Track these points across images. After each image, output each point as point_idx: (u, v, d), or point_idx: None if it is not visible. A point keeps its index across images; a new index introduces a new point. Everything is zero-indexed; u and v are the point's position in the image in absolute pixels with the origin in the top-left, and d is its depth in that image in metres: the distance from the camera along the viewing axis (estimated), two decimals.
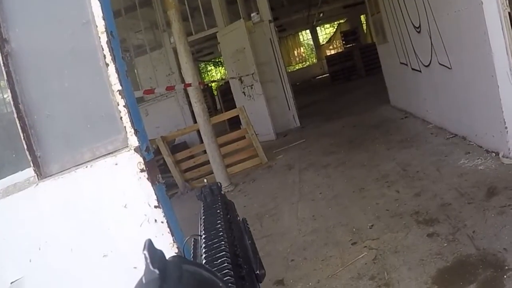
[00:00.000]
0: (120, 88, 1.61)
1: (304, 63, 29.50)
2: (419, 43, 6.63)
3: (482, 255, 3.04)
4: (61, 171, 1.86)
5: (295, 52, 29.37)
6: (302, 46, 29.55)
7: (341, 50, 23.56)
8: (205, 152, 7.54)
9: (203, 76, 27.10)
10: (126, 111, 1.62)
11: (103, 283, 1.88)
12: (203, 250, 1.04)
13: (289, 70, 16.47)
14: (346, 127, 9.23)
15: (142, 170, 1.62)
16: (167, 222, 1.63)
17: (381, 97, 10.21)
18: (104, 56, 1.62)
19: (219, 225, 1.18)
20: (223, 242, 1.03)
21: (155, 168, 1.68)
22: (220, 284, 0.65)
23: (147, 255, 0.53)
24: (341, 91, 15.79)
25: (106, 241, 1.80)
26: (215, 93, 18.11)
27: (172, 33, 7.46)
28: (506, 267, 2.82)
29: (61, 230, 1.89)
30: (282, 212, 5.25)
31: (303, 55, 29.63)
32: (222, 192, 1.69)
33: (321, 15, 24.51)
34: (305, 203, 5.32)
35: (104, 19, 1.62)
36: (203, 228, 1.21)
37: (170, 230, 1.64)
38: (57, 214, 1.89)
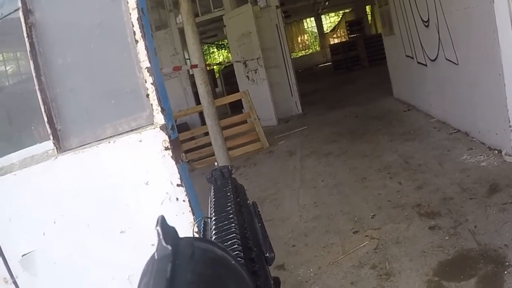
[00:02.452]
0: (149, 65, 1.61)
1: (307, 50, 29.29)
2: (426, 37, 6.61)
3: (483, 250, 3.09)
4: (82, 145, 1.86)
5: (299, 39, 29.15)
6: (306, 34, 29.31)
7: (345, 39, 23.42)
8: (206, 134, 7.54)
9: (206, 58, 26.94)
10: (154, 89, 1.62)
11: (118, 259, 1.89)
12: (213, 232, 1.05)
13: (292, 57, 16.34)
14: (348, 116, 9.22)
15: (166, 148, 1.63)
16: (188, 201, 1.65)
17: (384, 89, 10.19)
18: (134, 32, 1.62)
19: (230, 208, 1.19)
20: (233, 225, 1.05)
21: (180, 146, 1.69)
22: (233, 262, 0.66)
23: (160, 231, 0.55)
24: (343, 80, 15.74)
25: (124, 218, 1.81)
26: (217, 75, 17.95)
27: (180, 14, 7.40)
28: (507, 263, 2.87)
29: (78, 205, 1.89)
30: (283, 198, 5.28)
31: (307, 42, 29.41)
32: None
33: (327, 3, 24.30)
34: (306, 189, 5.35)
35: None
36: (213, 210, 1.23)
37: (191, 209, 1.65)
38: (75, 188, 1.89)
